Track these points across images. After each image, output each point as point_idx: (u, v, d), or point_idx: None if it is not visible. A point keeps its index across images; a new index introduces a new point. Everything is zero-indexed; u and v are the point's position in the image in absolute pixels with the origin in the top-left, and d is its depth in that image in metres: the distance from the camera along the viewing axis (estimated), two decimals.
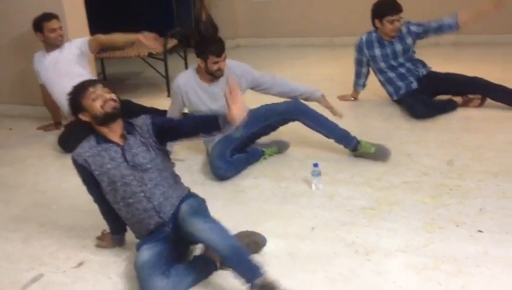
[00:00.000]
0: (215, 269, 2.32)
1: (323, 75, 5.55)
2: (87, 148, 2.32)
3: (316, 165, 3.05)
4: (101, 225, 2.71)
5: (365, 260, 2.36)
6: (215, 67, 3.28)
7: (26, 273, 2.47)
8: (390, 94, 4.29)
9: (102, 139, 2.31)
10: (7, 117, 4.82)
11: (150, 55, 5.25)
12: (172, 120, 2.32)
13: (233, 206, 2.94)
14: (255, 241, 2.42)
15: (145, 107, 4.04)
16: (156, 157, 2.32)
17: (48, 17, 3.99)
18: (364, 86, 4.50)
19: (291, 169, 3.34)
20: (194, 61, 3.40)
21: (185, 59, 5.78)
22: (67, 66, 3.98)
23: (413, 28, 4.15)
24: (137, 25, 5.93)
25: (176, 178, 2.46)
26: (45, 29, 3.97)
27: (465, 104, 4.12)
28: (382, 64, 4.22)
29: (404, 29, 4.15)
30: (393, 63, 4.18)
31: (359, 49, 4.31)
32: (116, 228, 2.55)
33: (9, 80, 4.80)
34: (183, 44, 5.83)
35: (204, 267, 2.30)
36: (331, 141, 3.40)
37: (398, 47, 4.15)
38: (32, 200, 3.24)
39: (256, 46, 7.20)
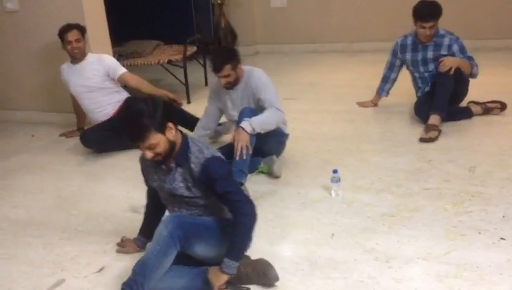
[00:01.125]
0: None
1: (342, 81, 5.53)
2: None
3: (335, 171, 3.03)
4: (122, 230, 2.74)
5: (386, 267, 2.34)
6: (220, 81, 3.35)
7: (48, 279, 2.50)
8: (416, 93, 4.29)
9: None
10: (29, 124, 4.89)
11: (170, 62, 5.29)
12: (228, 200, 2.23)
13: None
14: (264, 272, 2.25)
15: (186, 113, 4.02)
16: (196, 197, 2.26)
17: (66, 28, 3.98)
18: (388, 92, 4.43)
19: (310, 175, 3.33)
20: None
21: (204, 66, 5.81)
22: (96, 82, 4.01)
23: (454, 48, 3.97)
24: (157, 32, 6.06)
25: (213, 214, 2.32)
26: (64, 40, 3.99)
27: (486, 112, 4.05)
28: (411, 68, 4.23)
29: (446, 41, 3.99)
30: (421, 69, 4.14)
31: (394, 53, 4.28)
32: (147, 230, 2.52)
33: (32, 87, 4.87)
34: (202, 51, 5.87)
35: (202, 285, 2.22)
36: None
37: (430, 54, 4.04)
38: (53, 206, 3.28)
39: (274, 53, 7.21)
